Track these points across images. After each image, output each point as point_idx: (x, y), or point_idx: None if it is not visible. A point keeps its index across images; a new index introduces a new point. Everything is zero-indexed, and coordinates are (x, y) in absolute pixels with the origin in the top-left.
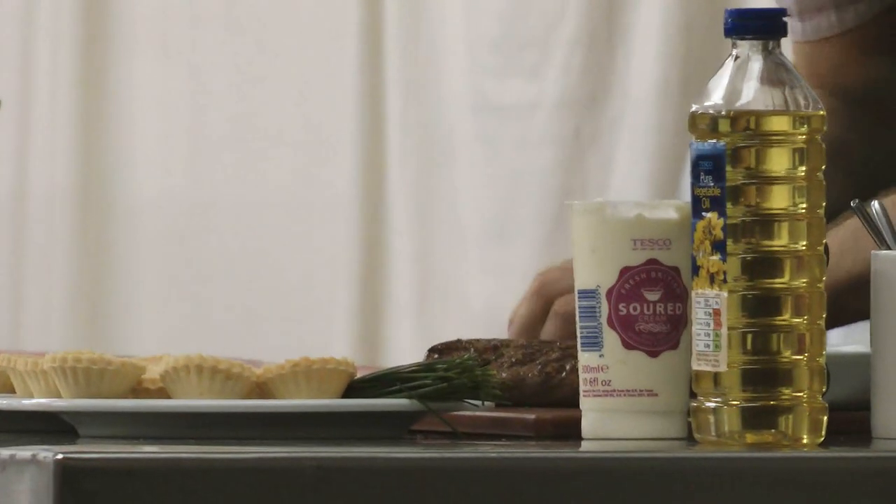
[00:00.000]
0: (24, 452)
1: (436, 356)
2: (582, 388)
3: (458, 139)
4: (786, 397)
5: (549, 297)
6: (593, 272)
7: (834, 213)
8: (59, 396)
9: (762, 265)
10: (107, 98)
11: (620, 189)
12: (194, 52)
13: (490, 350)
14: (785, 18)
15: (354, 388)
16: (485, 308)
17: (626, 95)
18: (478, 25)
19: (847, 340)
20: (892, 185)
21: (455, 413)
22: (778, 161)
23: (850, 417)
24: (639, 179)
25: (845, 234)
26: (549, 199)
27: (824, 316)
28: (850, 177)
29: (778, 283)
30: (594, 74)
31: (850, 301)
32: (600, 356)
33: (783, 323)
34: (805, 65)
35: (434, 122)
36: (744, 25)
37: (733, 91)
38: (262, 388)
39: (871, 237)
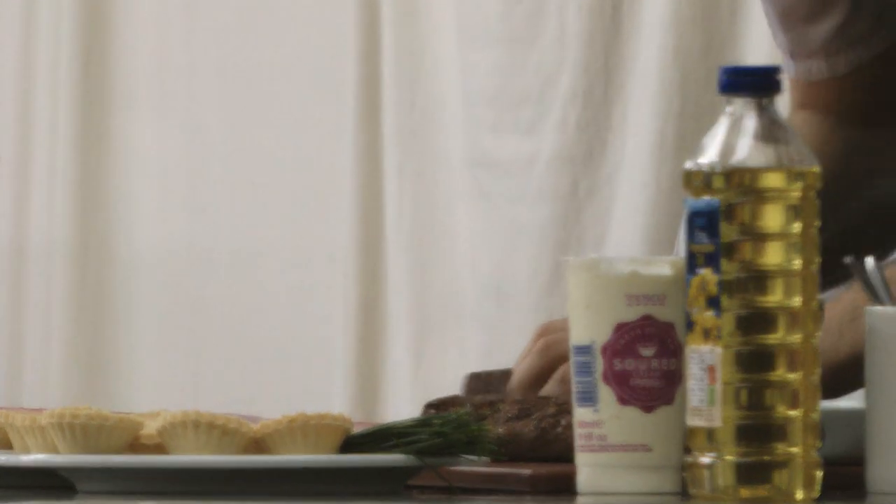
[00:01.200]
0: None
1: (432, 411)
2: (577, 443)
3: (455, 193)
4: (780, 452)
5: (553, 357)
6: (588, 328)
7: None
8: (56, 452)
9: (756, 321)
10: (105, 153)
11: (618, 244)
12: (191, 107)
13: (486, 405)
14: (778, 77)
15: (351, 443)
16: (482, 362)
17: (622, 151)
18: (474, 80)
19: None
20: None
21: (451, 468)
22: (772, 217)
23: (845, 472)
24: (636, 234)
25: (844, 311)
26: (545, 254)
27: (819, 371)
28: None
29: (772, 338)
30: (591, 130)
31: (851, 376)
32: (595, 411)
33: (777, 378)
34: (797, 100)
35: (431, 176)
36: (738, 82)
37: (728, 148)
38: (259, 444)
39: (867, 297)
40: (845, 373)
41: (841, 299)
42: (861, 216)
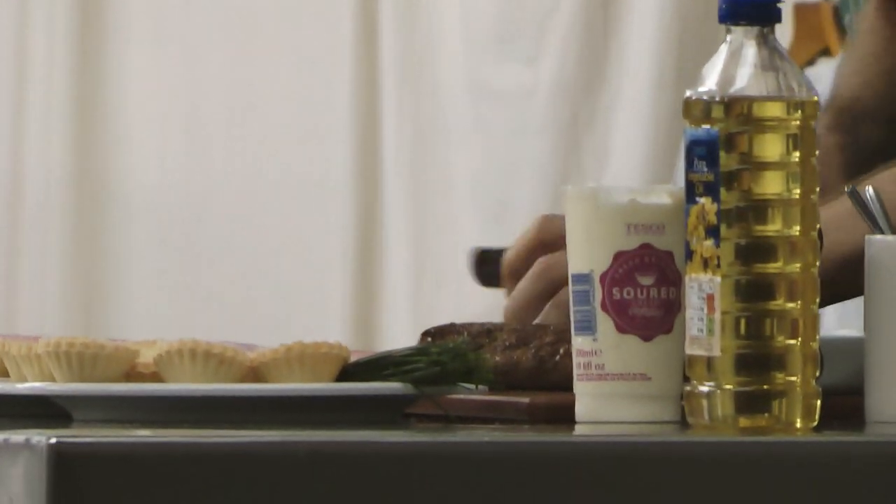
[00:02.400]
0: (17, 437)
1: (429, 340)
2: (575, 372)
3: (454, 125)
4: (779, 382)
5: (552, 281)
6: (587, 257)
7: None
8: (53, 381)
9: (756, 250)
10: (102, 85)
11: (616, 174)
12: (189, 38)
13: (483, 334)
14: (779, 5)
15: (348, 372)
16: (480, 292)
17: (621, 82)
18: (474, 12)
19: (841, 325)
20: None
21: (449, 397)
22: (772, 147)
23: (843, 402)
24: (635, 164)
25: (840, 212)
26: (545, 185)
27: (818, 300)
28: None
29: (771, 268)
30: (590, 61)
31: (846, 280)
32: (594, 340)
33: (777, 308)
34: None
35: (430, 108)
36: (738, 12)
37: (727, 77)
38: (255, 373)
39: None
40: (842, 275)
41: (839, 202)
42: None
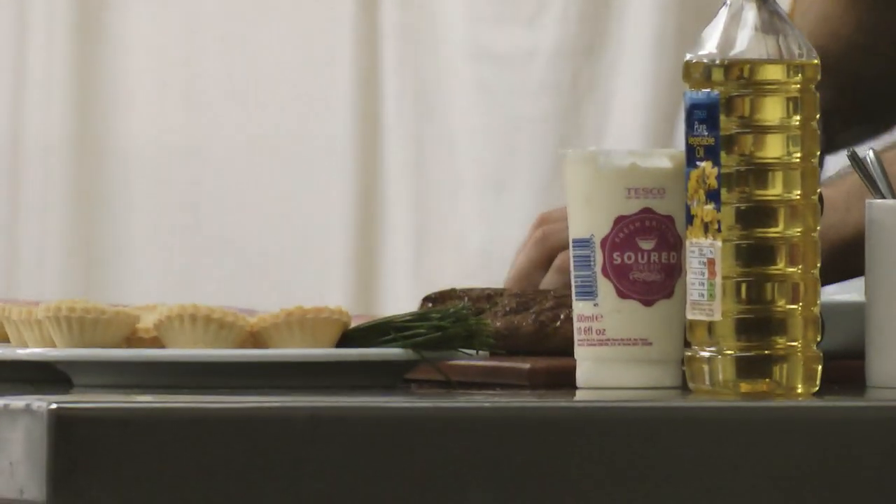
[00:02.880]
0: (17, 402)
1: (430, 305)
2: (576, 337)
3: (455, 87)
4: (780, 346)
5: (550, 248)
6: (587, 221)
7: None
8: (53, 346)
9: (756, 214)
10: (102, 43)
11: (617, 137)
12: (189, 3)
13: (484, 299)
14: None
15: (348, 337)
16: (481, 256)
17: (622, 44)
18: None
19: (842, 289)
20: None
21: (449, 362)
22: (772, 110)
23: (844, 366)
24: (636, 128)
25: (851, 188)
26: (545, 147)
27: (819, 265)
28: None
29: (772, 232)
30: (591, 23)
31: (858, 255)
32: (595, 305)
33: (777, 272)
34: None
35: (430, 69)
36: None
37: (727, 40)
38: (255, 338)
39: (861, 179)
40: (852, 250)
41: (846, 179)
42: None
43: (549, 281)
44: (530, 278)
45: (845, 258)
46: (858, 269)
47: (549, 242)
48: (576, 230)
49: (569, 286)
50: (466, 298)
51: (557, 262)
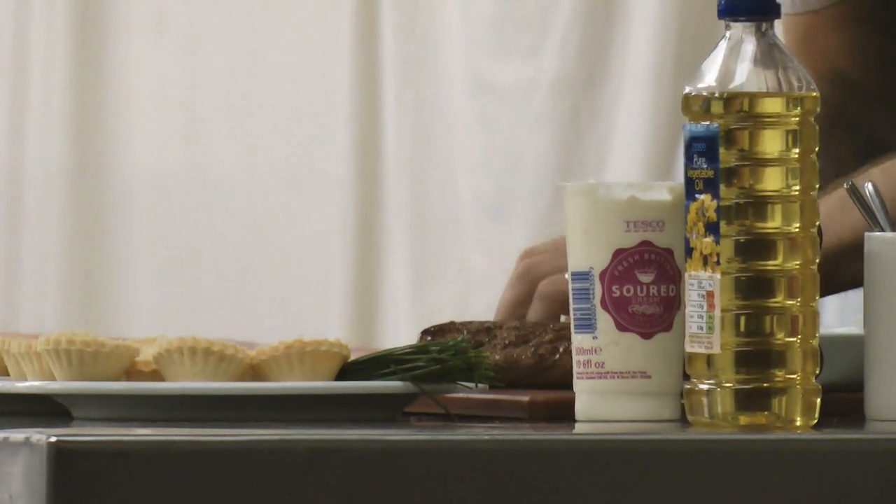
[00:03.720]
0: (17, 435)
1: (429, 338)
2: (575, 369)
3: (455, 119)
4: (779, 379)
5: (534, 279)
6: (586, 254)
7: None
8: (52, 379)
9: (755, 247)
10: (101, 75)
11: (617, 169)
12: (188, 29)
13: (483, 332)
14: (777, 1)
15: (348, 370)
16: (481, 289)
17: (622, 76)
18: (474, 6)
19: (842, 321)
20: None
21: (448, 395)
22: (771, 143)
23: (843, 399)
24: (635, 160)
25: (832, 203)
26: (545, 179)
27: (818, 297)
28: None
29: (771, 264)
30: (591, 55)
31: (840, 269)
32: (594, 338)
33: (776, 305)
34: (794, 37)
35: (431, 101)
36: (737, 7)
37: (727, 72)
38: (255, 370)
39: (860, 212)
40: (835, 264)
41: (832, 194)
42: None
43: (534, 310)
44: (516, 314)
45: (828, 272)
46: (843, 284)
47: (532, 274)
48: (575, 263)
49: (556, 312)
50: (465, 331)
51: (540, 289)
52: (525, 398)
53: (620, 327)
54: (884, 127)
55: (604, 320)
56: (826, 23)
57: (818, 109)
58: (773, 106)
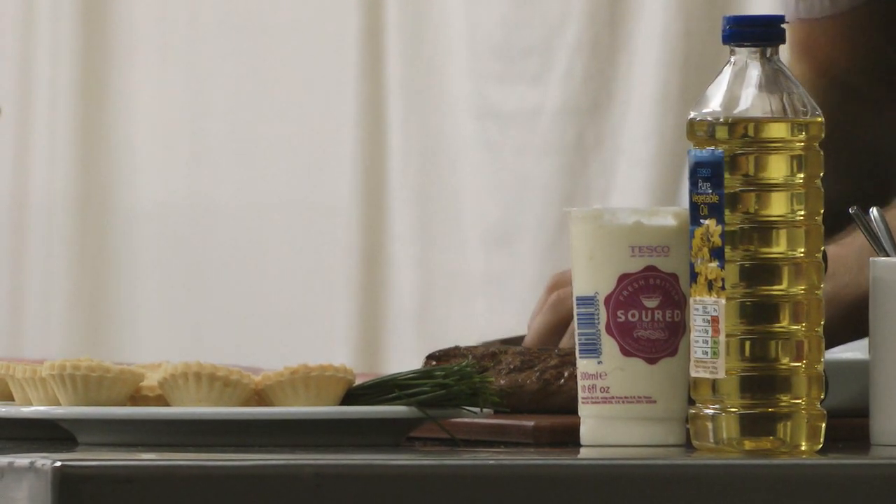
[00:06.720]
0: (22, 460)
1: (434, 363)
2: (580, 394)
3: (460, 145)
4: (784, 404)
5: (566, 311)
6: (591, 279)
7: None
8: (57, 404)
9: (760, 272)
10: (106, 105)
11: (622, 194)
12: (193, 59)
13: (488, 357)
14: (783, 25)
15: (353, 395)
16: (486, 314)
17: (627, 102)
18: (480, 31)
19: (846, 347)
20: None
21: (453, 420)
22: (776, 168)
23: (848, 424)
24: (641, 185)
25: (863, 246)
26: (551, 205)
27: (822, 322)
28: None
29: (776, 290)
30: (596, 81)
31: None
32: (599, 363)
33: (781, 330)
34: (797, 44)
35: (436, 127)
36: (742, 32)
37: (731, 98)
38: (260, 396)
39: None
40: (867, 310)
41: (857, 237)
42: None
43: (566, 345)
44: (547, 343)
45: (860, 317)
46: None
47: (565, 306)
48: (580, 288)
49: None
50: (470, 356)
51: (573, 328)
52: (530, 423)
53: (625, 352)
54: (884, 133)
55: (609, 345)
56: (827, 30)
57: (823, 135)
58: (777, 131)
